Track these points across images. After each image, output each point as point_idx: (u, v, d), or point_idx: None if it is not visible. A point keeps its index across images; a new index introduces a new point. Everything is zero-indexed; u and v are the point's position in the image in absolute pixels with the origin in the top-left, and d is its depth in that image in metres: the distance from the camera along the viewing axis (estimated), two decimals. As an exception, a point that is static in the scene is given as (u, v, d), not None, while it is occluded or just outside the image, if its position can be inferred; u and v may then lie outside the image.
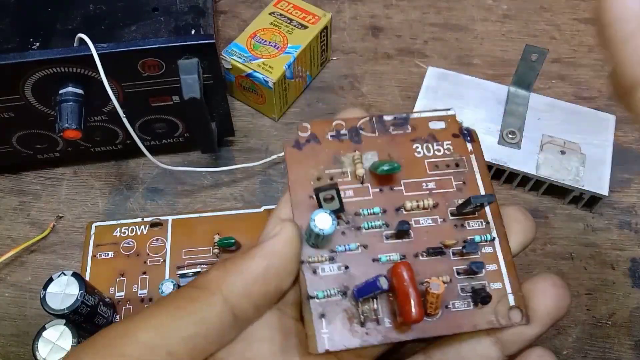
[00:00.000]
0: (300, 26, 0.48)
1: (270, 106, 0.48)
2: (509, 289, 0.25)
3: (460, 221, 0.26)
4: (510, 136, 0.44)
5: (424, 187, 0.27)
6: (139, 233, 0.41)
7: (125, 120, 0.38)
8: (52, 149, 0.44)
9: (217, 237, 0.41)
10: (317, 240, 0.24)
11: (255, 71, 0.46)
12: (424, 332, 0.24)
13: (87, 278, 0.39)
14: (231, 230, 0.41)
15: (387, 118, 0.28)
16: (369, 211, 0.26)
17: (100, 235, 0.41)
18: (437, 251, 0.25)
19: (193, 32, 0.41)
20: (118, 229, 0.41)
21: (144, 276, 0.40)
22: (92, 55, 0.35)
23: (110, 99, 0.37)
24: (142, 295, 0.39)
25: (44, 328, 0.32)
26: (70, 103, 0.37)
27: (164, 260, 0.40)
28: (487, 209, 0.27)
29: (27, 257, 0.43)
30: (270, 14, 0.49)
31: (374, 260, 0.25)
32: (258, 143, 0.48)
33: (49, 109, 0.39)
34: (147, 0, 0.43)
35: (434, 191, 0.27)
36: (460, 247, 0.26)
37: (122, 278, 0.40)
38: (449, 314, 0.24)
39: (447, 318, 0.24)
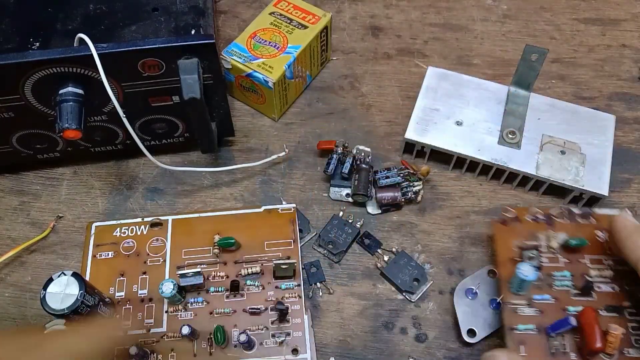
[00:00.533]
0: (300, 26, 0.48)
1: (270, 106, 0.48)
2: None
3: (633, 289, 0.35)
4: (510, 136, 0.44)
5: (604, 262, 0.36)
6: (139, 233, 0.41)
7: (125, 120, 0.38)
8: (52, 149, 0.44)
9: (217, 237, 0.41)
10: (520, 285, 0.35)
11: (255, 71, 0.46)
12: None
13: (87, 278, 0.39)
14: (231, 230, 0.41)
15: (576, 211, 0.39)
16: (560, 274, 0.36)
17: (100, 235, 0.41)
18: (615, 308, 0.34)
19: (193, 32, 0.41)
20: (118, 229, 0.41)
21: (144, 276, 0.40)
22: (92, 55, 0.35)
23: (110, 99, 0.37)
24: (142, 295, 0.39)
25: (43, 328, 0.32)
26: (70, 103, 0.37)
27: (164, 260, 0.40)
28: None
29: (27, 257, 0.43)
30: (270, 14, 0.49)
31: (562, 309, 0.35)
32: (258, 143, 0.48)
33: (49, 109, 0.39)
34: (147, 0, 0.43)
35: (612, 266, 0.36)
36: (634, 309, 0.34)
37: (122, 278, 0.40)
38: (623, 357, 0.32)
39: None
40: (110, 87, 0.37)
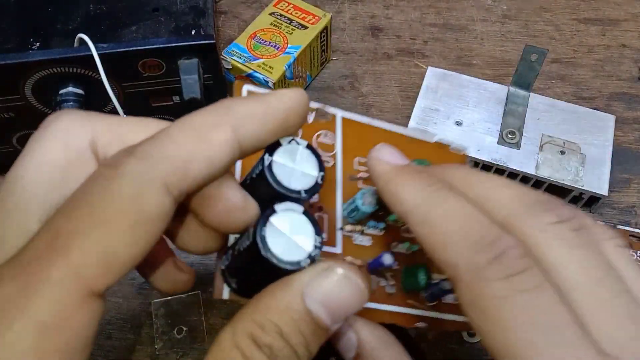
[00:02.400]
0: (300, 26, 0.48)
1: (270, 106, 0.48)
2: None
3: None
4: (509, 136, 0.44)
5: None
6: None
7: (125, 121, 0.38)
8: (53, 149, 0.44)
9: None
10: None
11: (255, 71, 0.46)
12: None
13: (239, 166, 0.26)
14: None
15: (599, 224, 0.35)
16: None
17: None
18: None
19: (193, 32, 0.41)
20: None
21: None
22: (92, 55, 0.36)
23: (110, 99, 0.37)
24: (311, 201, 0.27)
25: (273, 211, 0.20)
26: (71, 103, 0.37)
27: (334, 163, 0.29)
28: None
29: (27, 257, 0.43)
30: (270, 14, 0.49)
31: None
32: (258, 143, 0.48)
33: (50, 109, 0.39)
34: (148, 0, 0.43)
35: None
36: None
37: None
38: None
39: None
40: (111, 87, 0.37)
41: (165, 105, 0.41)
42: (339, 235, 0.27)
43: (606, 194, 0.42)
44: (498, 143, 0.44)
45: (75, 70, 0.37)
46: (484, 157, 0.44)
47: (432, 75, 0.48)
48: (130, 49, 0.36)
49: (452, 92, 0.47)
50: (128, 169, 0.17)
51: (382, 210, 0.26)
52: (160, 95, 0.40)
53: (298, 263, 0.20)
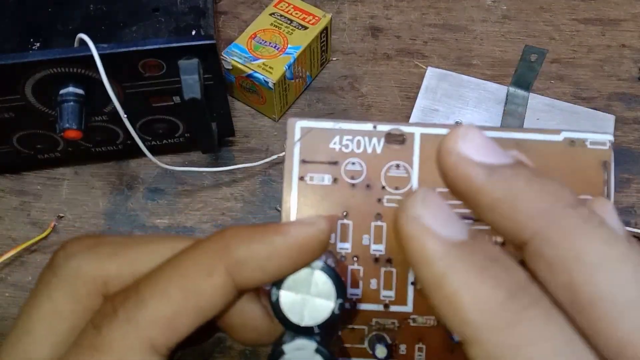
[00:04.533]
0: (300, 27, 0.48)
1: (270, 106, 0.48)
2: None
3: None
4: (509, 136, 0.44)
5: None
6: (369, 150, 0.24)
7: (126, 121, 0.38)
8: (53, 149, 0.44)
9: None
10: None
11: (255, 72, 0.46)
12: None
13: (294, 212, 0.23)
14: None
15: None
16: None
17: (311, 145, 0.24)
18: None
19: (193, 32, 0.41)
20: (337, 138, 0.24)
21: (379, 223, 0.24)
22: (92, 55, 0.36)
23: (111, 100, 0.37)
24: (377, 253, 0.24)
25: (281, 352, 0.19)
26: (71, 103, 0.37)
27: None
28: None
29: (27, 257, 0.43)
30: (270, 14, 0.49)
31: None
32: (258, 143, 0.48)
33: (50, 109, 0.39)
34: (148, 0, 0.43)
35: None
36: None
37: (346, 221, 0.24)
38: None
39: None
40: (111, 88, 0.37)
41: (166, 105, 0.41)
42: (410, 291, 0.24)
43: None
44: (498, 143, 0.44)
45: (75, 70, 0.37)
46: (484, 157, 0.44)
47: (432, 75, 0.48)
48: (131, 49, 0.37)
49: (451, 92, 0.47)
50: (111, 336, 0.18)
51: None
52: (161, 95, 0.40)
53: None
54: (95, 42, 0.36)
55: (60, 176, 0.47)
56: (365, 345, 0.22)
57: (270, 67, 0.46)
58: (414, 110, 0.46)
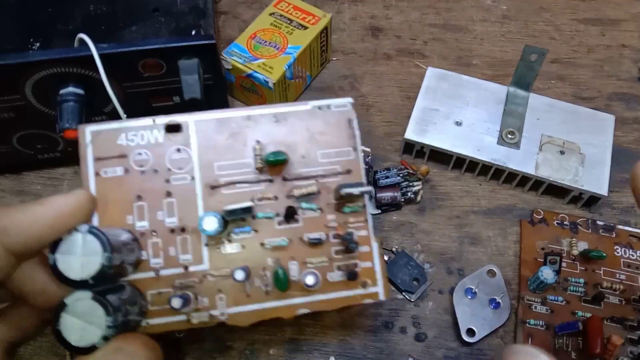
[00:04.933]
0: (300, 27, 0.48)
1: (270, 106, 0.48)
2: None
3: None
4: (509, 136, 0.44)
5: (617, 277, 0.40)
6: (152, 141, 0.30)
7: (125, 121, 0.38)
8: (53, 149, 0.44)
9: (257, 147, 0.30)
10: (539, 286, 0.38)
11: (255, 71, 0.46)
12: None
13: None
14: (272, 136, 0.31)
15: (600, 223, 0.42)
16: (575, 280, 0.39)
17: (101, 145, 0.30)
18: (619, 319, 0.38)
19: (193, 32, 0.41)
20: (124, 136, 0.30)
21: (170, 199, 0.29)
22: (92, 55, 0.36)
23: (111, 99, 0.37)
24: (171, 225, 0.29)
25: (63, 305, 0.24)
26: (71, 103, 0.37)
27: (193, 178, 0.30)
28: None
29: (27, 257, 0.43)
30: (270, 14, 0.49)
31: (571, 312, 0.38)
32: (258, 143, 0.48)
33: (50, 109, 0.39)
34: (148, 0, 0.43)
35: (624, 281, 0.39)
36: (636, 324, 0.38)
37: (140, 202, 0.29)
38: None
39: None
40: (111, 88, 0.37)
41: (166, 105, 0.41)
42: (205, 251, 0.29)
43: (606, 194, 0.42)
44: (498, 143, 0.44)
45: (75, 70, 0.37)
46: (484, 157, 0.44)
47: (432, 75, 0.48)
48: (131, 49, 0.37)
49: (451, 92, 0.47)
50: None
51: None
52: (161, 95, 0.40)
53: (93, 346, 0.23)
54: (95, 42, 0.36)
55: (60, 176, 0.47)
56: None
57: (270, 67, 0.46)
58: (414, 110, 0.46)
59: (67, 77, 0.37)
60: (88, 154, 0.29)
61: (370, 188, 0.29)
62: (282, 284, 0.29)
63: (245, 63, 0.46)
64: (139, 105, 0.41)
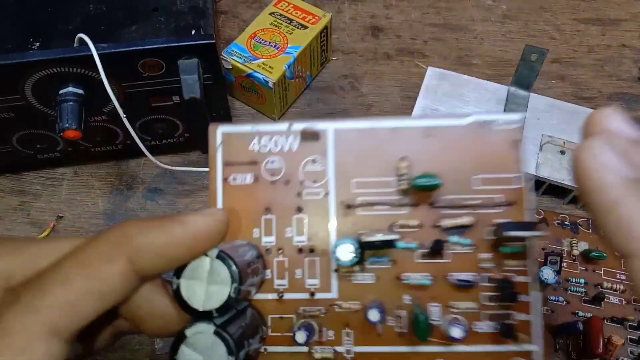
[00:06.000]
0: (300, 26, 0.48)
1: (270, 106, 0.48)
2: None
3: None
4: (510, 136, 0.44)
5: (617, 277, 0.40)
6: (286, 148, 0.26)
7: (125, 121, 0.38)
8: (53, 149, 0.44)
9: (404, 166, 0.25)
10: (540, 286, 0.35)
11: (255, 71, 0.46)
12: None
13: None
14: (421, 153, 0.25)
15: None
16: (576, 280, 0.39)
17: (232, 148, 0.27)
18: (619, 320, 0.38)
19: (193, 32, 0.41)
20: (256, 140, 0.26)
21: (300, 215, 0.26)
22: (92, 55, 0.36)
23: (110, 99, 0.37)
24: (300, 244, 0.26)
25: (183, 336, 0.21)
26: (71, 103, 0.37)
27: (327, 194, 0.26)
28: None
29: (27, 257, 0.43)
30: (270, 14, 0.49)
31: (572, 313, 0.39)
32: (258, 143, 0.48)
33: (49, 109, 0.39)
34: (147, 0, 0.43)
35: (624, 281, 0.39)
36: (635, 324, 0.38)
37: (269, 216, 0.26)
38: None
39: None
40: (111, 87, 0.37)
41: (165, 105, 0.41)
42: (334, 278, 0.25)
43: (606, 194, 0.42)
44: (498, 143, 0.44)
45: (75, 70, 0.37)
46: (484, 157, 0.43)
47: (432, 75, 0.48)
48: (130, 49, 0.36)
49: (452, 92, 0.47)
50: (10, 321, 0.18)
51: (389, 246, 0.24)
52: (160, 95, 0.40)
53: None
54: (95, 42, 0.36)
55: (60, 176, 0.47)
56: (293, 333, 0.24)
57: (270, 67, 0.46)
58: (415, 110, 0.46)
59: (67, 77, 0.37)
60: (218, 157, 0.27)
61: (541, 233, 0.26)
62: (424, 333, 0.24)
63: (245, 63, 0.46)
64: (139, 105, 0.41)
